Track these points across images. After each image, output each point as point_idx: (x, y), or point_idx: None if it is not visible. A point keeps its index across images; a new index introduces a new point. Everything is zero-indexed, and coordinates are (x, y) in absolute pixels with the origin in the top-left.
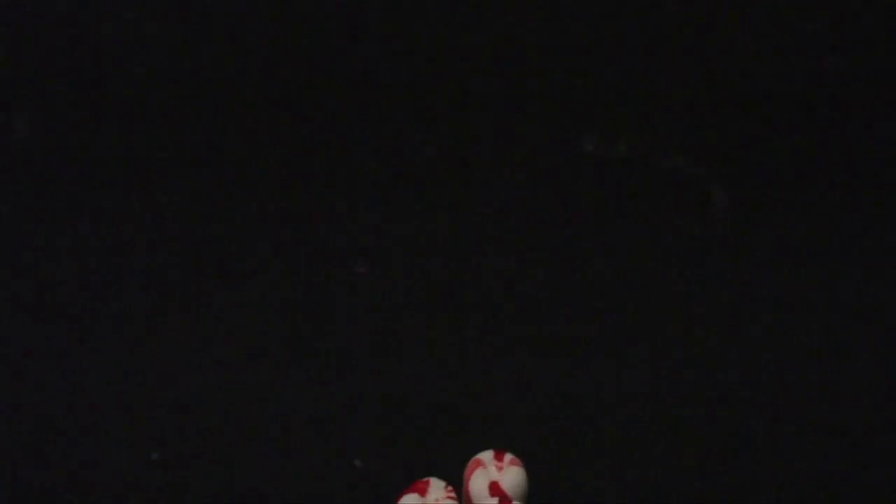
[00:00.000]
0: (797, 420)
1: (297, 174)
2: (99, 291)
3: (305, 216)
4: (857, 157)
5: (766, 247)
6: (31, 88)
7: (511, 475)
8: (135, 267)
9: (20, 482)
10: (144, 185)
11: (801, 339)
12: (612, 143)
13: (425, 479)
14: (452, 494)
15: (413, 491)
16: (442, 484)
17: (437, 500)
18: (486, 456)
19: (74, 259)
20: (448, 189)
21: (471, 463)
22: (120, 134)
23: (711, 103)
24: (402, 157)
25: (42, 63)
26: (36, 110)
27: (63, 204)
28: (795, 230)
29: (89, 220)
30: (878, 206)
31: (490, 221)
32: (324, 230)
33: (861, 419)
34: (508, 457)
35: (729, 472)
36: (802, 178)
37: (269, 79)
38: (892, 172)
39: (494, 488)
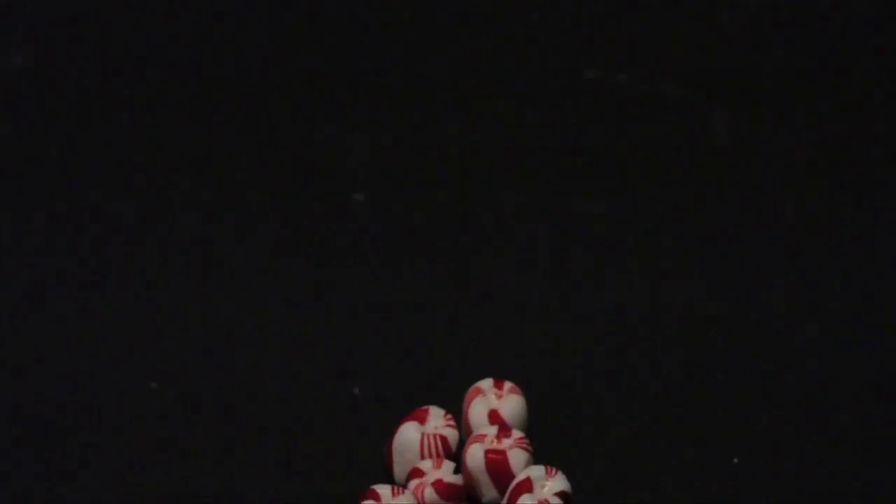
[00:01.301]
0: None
1: (294, 97)
2: (95, 211)
3: (302, 142)
4: (858, 77)
5: (766, 173)
6: (28, 20)
7: (510, 403)
8: (130, 191)
9: (18, 407)
10: (140, 115)
11: (803, 263)
12: (613, 70)
13: (424, 407)
14: (452, 422)
15: (412, 419)
16: (441, 412)
17: (436, 428)
18: (486, 384)
19: (70, 187)
20: (447, 114)
21: (470, 391)
22: (117, 64)
23: (711, 29)
24: (399, 85)
25: None
26: (33, 43)
27: (59, 136)
28: (795, 155)
29: (83, 148)
30: (877, 129)
31: (491, 149)
32: (322, 157)
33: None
34: (508, 385)
35: (730, 388)
36: (803, 102)
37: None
38: (892, 87)
39: (494, 416)
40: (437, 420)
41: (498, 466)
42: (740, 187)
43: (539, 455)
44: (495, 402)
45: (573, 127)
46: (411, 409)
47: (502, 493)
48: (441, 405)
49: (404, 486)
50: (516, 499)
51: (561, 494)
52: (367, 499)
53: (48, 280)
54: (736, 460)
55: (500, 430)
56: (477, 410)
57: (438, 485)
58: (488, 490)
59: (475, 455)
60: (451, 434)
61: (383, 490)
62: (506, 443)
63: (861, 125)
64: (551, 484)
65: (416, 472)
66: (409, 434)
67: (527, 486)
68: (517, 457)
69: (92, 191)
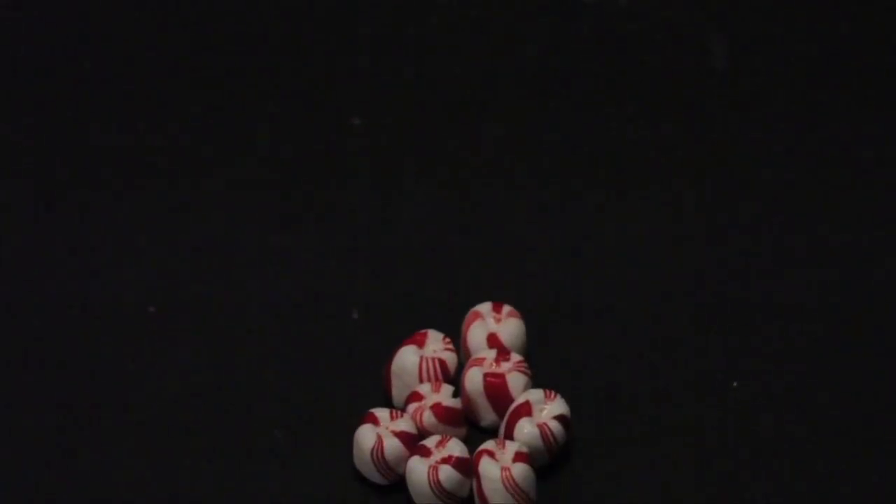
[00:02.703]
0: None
1: (294, 32)
2: (95, 147)
3: (301, 69)
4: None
5: (764, 97)
6: None
7: (509, 327)
8: (127, 115)
9: (17, 328)
10: (137, 39)
11: (800, 196)
12: None
13: (423, 330)
14: (450, 346)
15: (411, 343)
16: (440, 336)
17: (434, 351)
18: (485, 308)
19: (68, 112)
20: (448, 41)
21: (469, 315)
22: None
23: None
24: (401, 15)
25: None
26: None
27: (57, 56)
28: (795, 80)
29: (80, 73)
30: (878, 54)
31: (490, 73)
32: (320, 81)
33: None
34: (507, 308)
35: (730, 333)
36: (803, 28)
37: None
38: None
39: (492, 340)
40: (435, 344)
41: (496, 390)
42: (737, 110)
43: (538, 378)
44: (494, 325)
45: (572, 52)
46: (410, 332)
47: (501, 416)
48: (440, 329)
49: (403, 410)
50: (515, 422)
51: (560, 418)
52: (365, 422)
53: (39, 207)
54: (735, 384)
55: (498, 354)
56: (476, 334)
57: (437, 408)
58: (487, 413)
59: (474, 378)
60: (450, 357)
61: (382, 413)
62: (504, 366)
63: (863, 47)
64: (550, 407)
65: (415, 396)
66: (407, 358)
67: (525, 410)
68: (516, 380)
69: (86, 118)
